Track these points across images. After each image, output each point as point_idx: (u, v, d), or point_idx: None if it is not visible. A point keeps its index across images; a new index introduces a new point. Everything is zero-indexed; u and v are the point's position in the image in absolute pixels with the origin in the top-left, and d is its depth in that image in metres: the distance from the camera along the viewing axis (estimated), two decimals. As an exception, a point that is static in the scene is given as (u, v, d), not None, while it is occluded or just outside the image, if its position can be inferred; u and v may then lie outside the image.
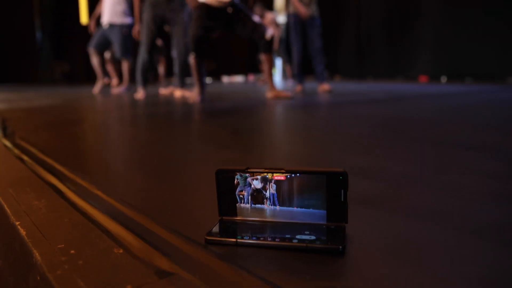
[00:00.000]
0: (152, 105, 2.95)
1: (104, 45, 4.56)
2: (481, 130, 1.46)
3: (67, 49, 8.83)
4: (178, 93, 3.61)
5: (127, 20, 4.38)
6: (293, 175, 0.56)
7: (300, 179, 0.56)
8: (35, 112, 2.42)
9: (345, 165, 0.92)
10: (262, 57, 3.23)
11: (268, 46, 3.10)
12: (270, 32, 3.08)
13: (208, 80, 10.40)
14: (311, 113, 2.26)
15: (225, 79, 11.49)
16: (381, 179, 0.83)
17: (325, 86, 4.20)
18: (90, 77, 6.79)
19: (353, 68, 11.02)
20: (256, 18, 3.07)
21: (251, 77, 11.91)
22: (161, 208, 0.69)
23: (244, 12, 2.99)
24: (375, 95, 3.53)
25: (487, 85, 5.60)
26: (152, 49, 3.60)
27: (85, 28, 8.01)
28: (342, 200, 0.55)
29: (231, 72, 11.51)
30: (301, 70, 4.37)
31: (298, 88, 4.33)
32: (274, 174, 0.56)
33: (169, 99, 3.25)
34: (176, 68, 3.64)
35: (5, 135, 1.47)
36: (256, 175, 0.57)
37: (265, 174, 0.57)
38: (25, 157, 1.10)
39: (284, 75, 10.52)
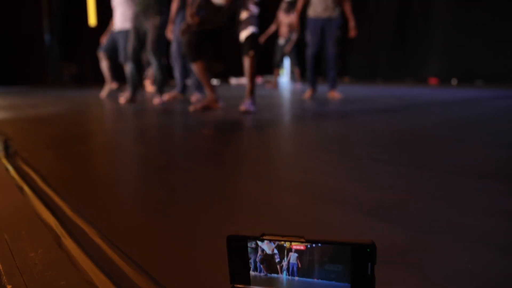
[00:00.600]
0: (162, 114, 2.90)
1: (113, 50, 4.54)
2: (503, 152, 1.39)
3: (75, 51, 8.83)
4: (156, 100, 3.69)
5: None
6: (314, 245, 0.50)
7: (322, 249, 0.50)
8: (40, 123, 2.38)
9: (364, 205, 0.86)
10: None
11: (244, 48, 2.67)
12: (245, 32, 2.65)
13: (216, 82, 10.35)
14: (320, 126, 2.19)
15: (233, 81, 11.44)
16: (407, 225, 0.76)
17: (334, 94, 4.13)
18: (98, 79, 6.76)
19: (362, 70, 10.91)
20: (243, 15, 2.67)
21: (259, 79, 11.83)
22: (169, 268, 0.63)
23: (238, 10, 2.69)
24: (386, 103, 3.46)
25: (499, 89, 5.48)
26: (136, 57, 3.71)
27: (93, 30, 8.02)
28: (369, 273, 0.49)
29: (239, 73, 11.44)
30: (313, 75, 4.26)
31: (308, 92, 4.24)
32: (293, 243, 0.50)
33: (176, 106, 3.19)
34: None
35: (7, 155, 1.42)
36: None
37: (283, 243, 0.50)
38: (25, 187, 1.05)
39: (293, 77, 10.45)
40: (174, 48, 4.13)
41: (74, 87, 8.52)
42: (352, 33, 4.28)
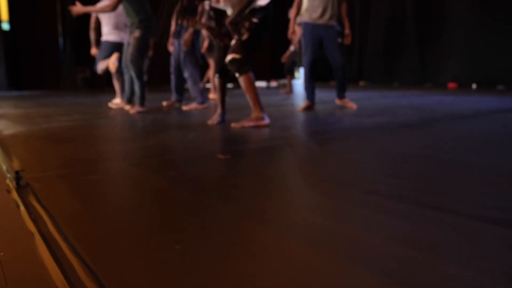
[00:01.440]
0: (176, 129, 2.86)
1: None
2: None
3: (88, 56, 8.88)
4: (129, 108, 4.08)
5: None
6: None
7: None
8: (52, 141, 2.35)
9: (375, 262, 0.78)
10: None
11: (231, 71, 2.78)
12: (228, 57, 2.72)
13: (229, 85, 10.31)
14: (334, 148, 2.11)
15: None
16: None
17: (345, 101, 3.99)
18: (110, 83, 6.77)
19: (379, 74, 10.75)
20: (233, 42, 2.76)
21: (273, 83, 11.77)
22: None
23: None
24: (404, 116, 3.35)
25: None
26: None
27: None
28: None
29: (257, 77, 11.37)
30: (310, 86, 3.95)
31: (305, 104, 3.96)
32: None
33: (192, 119, 3.14)
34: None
35: (19, 186, 1.38)
36: None
37: None
38: (34, 231, 1.00)
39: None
40: (172, 61, 4.49)
41: (87, 91, 8.56)
42: (347, 40, 3.99)
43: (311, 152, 1.99)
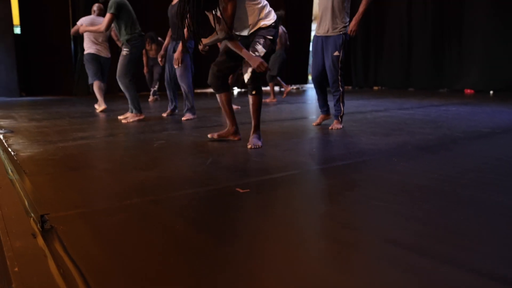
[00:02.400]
0: (195, 154, 2.88)
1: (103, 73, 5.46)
2: None
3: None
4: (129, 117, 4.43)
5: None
6: None
7: None
8: (70, 168, 2.39)
9: None
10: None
11: (248, 88, 2.81)
12: (246, 75, 2.78)
13: (239, 90, 10.33)
14: (342, 180, 2.10)
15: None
16: None
17: (335, 125, 3.72)
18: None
19: (395, 79, 10.66)
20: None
21: (289, 88, 11.72)
22: None
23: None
24: (421, 133, 3.33)
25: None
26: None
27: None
28: None
29: (265, 83, 11.35)
30: (320, 100, 3.91)
31: (319, 119, 3.96)
32: None
33: (210, 145, 3.15)
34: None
35: (43, 229, 1.41)
36: None
37: None
38: (61, 284, 1.03)
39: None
40: (166, 73, 4.93)
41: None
42: (352, 24, 3.62)
43: (326, 186, 1.99)
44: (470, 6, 8.76)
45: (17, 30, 8.95)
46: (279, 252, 1.24)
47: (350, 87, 11.29)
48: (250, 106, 2.86)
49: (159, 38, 7.53)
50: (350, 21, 3.66)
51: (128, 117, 4.45)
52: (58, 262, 1.18)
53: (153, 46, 7.56)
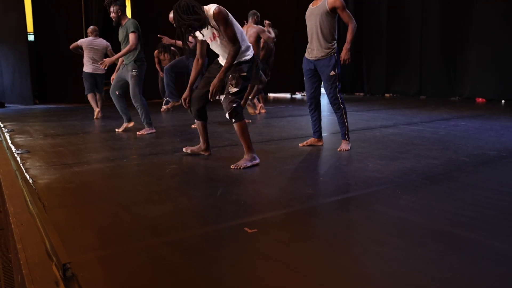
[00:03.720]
0: (204, 178, 2.97)
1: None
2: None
3: (113, 70, 9.09)
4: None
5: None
6: None
7: None
8: (86, 200, 2.50)
9: None
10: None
11: (230, 120, 3.10)
12: (227, 113, 3.10)
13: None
14: (346, 219, 2.18)
15: (271, 96, 11.50)
16: None
17: (343, 146, 3.75)
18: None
19: (405, 86, 10.66)
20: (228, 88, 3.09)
21: (298, 94, 11.84)
22: None
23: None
24: (428, 157, 3.38)
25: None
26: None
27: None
28: None
29: (276, 90, 11.46)
30: (313, 122, 3.92)
31: (307, 141, 3.98)
32: None
33: (219, 172, 3.25)
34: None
35: (65, 277, 1.52)
36: None
37: None
38: None
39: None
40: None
41: (112, 105, 8.72)
42: (343, 54, 3.57)
43: (329, 228, 2.04)
44: (481, 15, 8.74)
45: (31, 37, 8.97)
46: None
47: (361, 94, 11.30)
48: (236, 132, 3.14)
49: (172, 48, 7.65)
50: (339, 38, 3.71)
51: (142, 132, 4.88)
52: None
53: (166, 56, 7.70)
